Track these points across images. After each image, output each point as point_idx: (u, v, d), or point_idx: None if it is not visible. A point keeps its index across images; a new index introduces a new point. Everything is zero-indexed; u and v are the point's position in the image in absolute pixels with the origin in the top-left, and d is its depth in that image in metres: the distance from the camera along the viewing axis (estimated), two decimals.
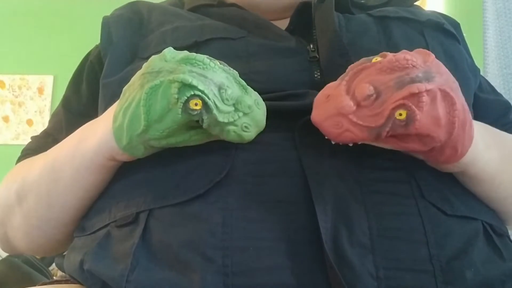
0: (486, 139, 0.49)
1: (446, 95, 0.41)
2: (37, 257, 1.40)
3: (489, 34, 1.49)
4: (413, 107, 0.40)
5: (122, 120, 0.45)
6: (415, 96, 0.39)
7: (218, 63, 0.45)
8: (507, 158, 0.51)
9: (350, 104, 0.41)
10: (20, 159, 0.64)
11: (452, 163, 0.46)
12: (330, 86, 0.44)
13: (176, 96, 0.41)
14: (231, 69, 0.45)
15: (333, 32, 0.55)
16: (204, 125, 0.43)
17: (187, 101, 0.41)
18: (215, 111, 0.42)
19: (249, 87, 0.45)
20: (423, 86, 0.40)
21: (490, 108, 0.63)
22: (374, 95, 0.41)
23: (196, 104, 0.42)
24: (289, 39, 0.57)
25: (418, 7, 0.67)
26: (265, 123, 0.46)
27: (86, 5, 3.02)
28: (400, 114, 0.40)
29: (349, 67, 0.44)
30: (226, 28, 0.58)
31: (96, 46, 0.66)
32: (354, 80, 0.43)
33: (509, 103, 0.67)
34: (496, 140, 0.53)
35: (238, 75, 0.45)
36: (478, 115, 0.58)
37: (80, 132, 0.54)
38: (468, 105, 0.47)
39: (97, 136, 0.49)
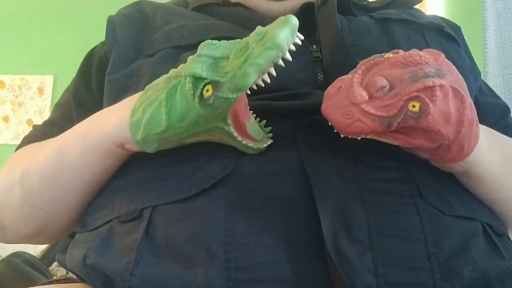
0: (489, 141, 0.50)
1: (457, 93, 0.41)
2: (37, 257, 1.40)
3: (489, 34, 1.49)
4: (427, 100, 0.40)
5: (141, 116, 0.45)
6: (429, 89, 0.40)
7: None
8: (508, 161, 0.52)
9: (362, 93, 0.41)
10: (21, 145, 0.64)
11: (457, 162, 0.46)
12: (341, 79, 0.44)
13: (191, 92, 0.41)
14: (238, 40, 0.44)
15: (336, 33, 0.55)
16: (222, 96, 0.41)
17: (201, 94, 0.41)
18: (222, 80, 0.41)
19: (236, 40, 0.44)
20: (438, 81, 0.40)
21: (489, 111, 0.64)
22: (387, 87, 0.41)
23: (207, 90, 0.41)
24: None
25: (418, 10, 0.69)
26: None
27: (86, 5, 3.02)
28: (414, 106, 0.40)
29: (361, 62, 0.44)
30: (230, 28, 0.58)
31: (102, 43, 0.67)
32: (367, 74, 0.43)
33: (508, 107, 0.68)
34: (498, 142, 0.53)
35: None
36: (478, 118, 0.58)
37: (91, 119, 0.54)
38: None
39: (111, 123, 0.50)
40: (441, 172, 0.49)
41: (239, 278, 0.41)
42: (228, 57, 0.42)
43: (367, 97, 0.41)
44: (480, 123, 0.47)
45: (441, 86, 0.40)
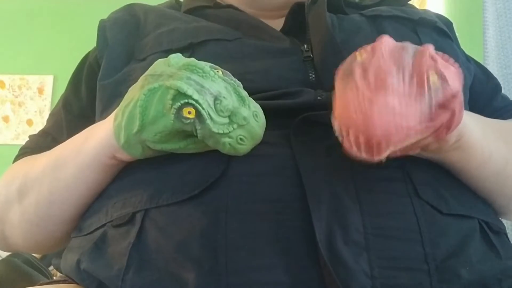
0: (470, 114, 0.50)
1: (442, 55, 0.42)
2: (37, 257, 1.40)
3: (489, 34, 1.49)
4: (438, 66, 0.39)
5: (121, 119, 0.46)
6: (432, 57, 0.40)
7: (221, 72, 0.45)
8: (493, 132, 0.52)
9: (392, 85, 0.39)
10: (18, 157, 0.64)
11: (458, 125, 0.43)
12: (347, 95, 0.40)
13: (170, 102, 0.42)
14: (234, 79, 0.45)
15: (326, 32, 0.55)
16: (199, 136, 0.43)
17: (180, 108, 0.41)
18: (208, 121, 0.42)
19: (250, 99, 0.45)
20: (429, 47, 0.40)
21: (479, 95, 0.64)
22: (400, 73, 0.39)
23: (189, 113, 0.42)
24: (283, 40, 0.57)
25: (411, 6, 0.68)
26: (261, 136, 0.45)
27: (86, 5, 3.02)
28: (434, 80, 0.39)
29: (338, 74, 0.42)
30: (221, 30, 0.58)
31: (95, 48, 0.66)
32: (368, 76, 0.40)
33: (499, 85, 0.68)
34: (489, 123, 0.54)
35: (241, 85, 0.45)
36: (470, 102, 0.59)
37: (85, 132, 0.54)
38: (464, 101, 0.47)
39: (100, 135, 0.50)
40: (437, 170, 0.49)
41: (232, 282, 0.40)
42: (221, 98, 0.42)
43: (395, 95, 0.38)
44: (471, 107, 0.47)
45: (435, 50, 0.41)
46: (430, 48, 0.40)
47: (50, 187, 0.53)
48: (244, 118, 0.43)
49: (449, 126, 0.41)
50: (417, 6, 0.71)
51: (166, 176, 0.47)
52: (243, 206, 0.43)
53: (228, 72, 0.46)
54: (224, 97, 0.43)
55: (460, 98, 0.41)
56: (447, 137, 0.44)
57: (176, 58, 0.45)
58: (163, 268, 0.42)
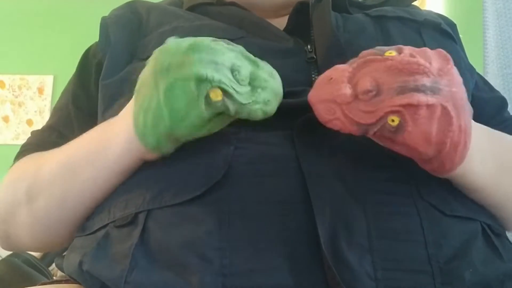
0: (483, 151, 0.48)
1: (446, 114, 0.39)
2: (37, 257, 1.40)
3: (489, 34, 1.49)
4: (407, 117, 0.39)
5: (144, 121, 0.44)
6: (413, 107, 0.38)
7: (223, 43, 0.44)
8: (502, 170, 0.50)
9: (347, 94, 0.41)
10: (20, 154, 0.63)
11: (439, 175, 0.45)
12: (336, 68, 0.44)
13: (196, 92, 0.41)
14: (236, 45, 0.45)
15: (330, 33, 0.55)
16: (232, 113, 0.42)
17: (207, 94, 0.41)
18: (236, 96, 0.41)
19: (258, 59, 0.45)
20: (425, 99, 0.38)
21: (484, 106, 0.63)
22: (374, 92, 0.40)
23: (216, 95, 0.41)
24: (287, 39, 0.57)
25: (415, 7, 0.68)
26: (282, 93, 0.45)
27: (86, 5, 3.02)
28: (393, 120, 0.39)
29: (361, 53, 0.43)
30: (224, 29, 0.58)
31: (96, 44, 0.66)
32: (360, 70, 0.41)
33: (504, 99, 0.67)
34: (494, 149, 0.51)
35: (244, 50, 0.45)
36: (474, 114, 0.58)
37: (98, 134, 0.53)
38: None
39: (120, 139, 0.48)
40: None
41: (236, 284, 0.40)
42: (237, 67, 0.42)
43: (351, 99, 0.40)
44: (475, 119, 0.46)
45: (428, 105, 0.38)
46: (427, 101, 0.38)
47: (63, 190, 0.52)
48: (265, 80, 0.43)
49: (423, 164, 0.44)
50: (417, 5, 0.70)
51: (169, 177, 0.46)
52: (247, 207, 0.43)
53: (227, 40, 0.45)
54: (239, 66, 0.42)
55: (436, 162, 0.42)
56: (434, 172, 0.45)
57: (175, 44, 0.44)
58: (166, 269, 0.42)
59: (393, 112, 0.39)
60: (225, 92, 0.41)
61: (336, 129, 0.43)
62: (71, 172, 0.52)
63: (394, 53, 0.41)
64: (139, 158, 0.48)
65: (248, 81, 0.43)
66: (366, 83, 0.40)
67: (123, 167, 0.49)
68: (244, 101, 0.42)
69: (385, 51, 0.42)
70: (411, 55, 0.40)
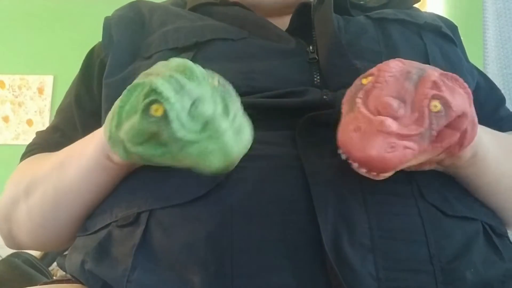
0: (486, 131, 0.50)
1: (450, 77, 0.42)
2: (37, 257, 1.40)
3: (489, 34, 1.49)
4: (441, 93, 0.40)
5: (107, 116, 0.44)
6: (435, 83, 0.40)
7: (217, 80, 0.41)
8: (506, 151, 0.52)
9: (389, 120, 0.39)
10: (26, 154, 0.64)
11: (473, 141, 0.44)
12: (351, 121, 0.41)
13: (141, 98, 0.39)
14: (230, 91, 0.41)
15: (332, 34, 0.55)
16: (162, 138, 0.38)
17: (149, 104, 0.38)
18: (174, 123, 0.37)
19: (239, 114, 0.40)
20: (433, 72, 0.40)
21: (482, 105, 0.63)
22: (399, 101, 0.40)
23: (156, 110, 0.37)
24: (289, 40, 0.57)
25: (416, 9, 0.68)
26: (238, 159, 0.40)
27: (86, 5, 3.02)
28: (435, 106, 0.40)
29: (345, 97, 0.43)
30: (227, 29, 0.58)
31: (100, 44, 0.66)
32: (368, 104, 0.41)
33: (503, 97, 0.68)
34: (498, 139, 0.54)
35: (235, 98, 0.41)
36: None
37: (89, 136, 0.54)
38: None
39: (98, 136, 0.49)
40: (442, 173, 0.49)
41: (237, 285, 0.40)
42: (199, 103, 0.38)
43: (395, 122, 0.39)
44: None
45: (441, 74, 0.41)
46: (434, 75, 0.40)
47: (55, 188, 0.53)
48: (218, 130, 0.38)
49: (461, 143, 0.42)
50: (417, 7, 0.70)
51: (171, 177, 0.46)
52: (249, 207, 0.43)
53: (228, 83, 0.42)
54: (202, 102, 0.38)
55: (471, 117, 0.42)
56: (461, 153, 0.45)
57: (175, 59, 0.42)
58: (169, 270, 0.42)
59: (430, 100, 0.40)
60: (165, 114, 0.37)
61: (409, 160, 0.40)
62: (61, 171, 0.53)
63: (369, 78, 0.42)
64: (107, 155, 0.48)
65: (203, 122, 0.38)
66: (391, 102, 0.40)
67: (99, 165, 0.50)
68: (179, 134, 0.37)
69: (361, 82, 0.43)
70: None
